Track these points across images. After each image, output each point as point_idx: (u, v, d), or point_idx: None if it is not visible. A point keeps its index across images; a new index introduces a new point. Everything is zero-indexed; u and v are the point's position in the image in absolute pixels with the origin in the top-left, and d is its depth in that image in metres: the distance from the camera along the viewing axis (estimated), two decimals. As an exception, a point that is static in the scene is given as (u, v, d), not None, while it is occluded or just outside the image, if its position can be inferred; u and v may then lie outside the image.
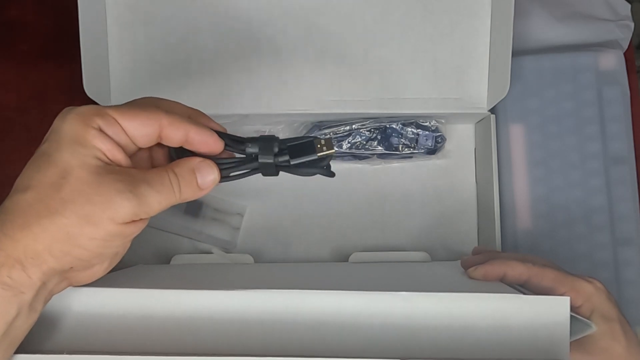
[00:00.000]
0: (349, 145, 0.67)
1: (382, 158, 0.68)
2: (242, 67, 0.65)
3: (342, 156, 0.68)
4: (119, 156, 0.38)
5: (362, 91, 0.65)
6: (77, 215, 0.36)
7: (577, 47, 0.71)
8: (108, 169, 0.37)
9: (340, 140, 0.67)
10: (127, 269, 0.59)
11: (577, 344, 0.44)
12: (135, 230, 0.38)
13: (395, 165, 0.70)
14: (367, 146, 0.67)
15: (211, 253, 0.67)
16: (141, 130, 0.38)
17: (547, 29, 0.72)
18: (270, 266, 0.64)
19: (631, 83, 0.70)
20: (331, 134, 0.67)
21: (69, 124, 0.37)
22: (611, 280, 0.65)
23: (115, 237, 0.37)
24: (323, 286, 0.41)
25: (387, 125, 0.67)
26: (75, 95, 0.68)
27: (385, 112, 0.66)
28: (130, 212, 0.36)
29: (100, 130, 0.37)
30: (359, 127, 0.67)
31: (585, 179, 0.67)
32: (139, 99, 0.42)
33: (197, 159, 0.41)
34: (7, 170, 0.70)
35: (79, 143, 0.37)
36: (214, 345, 0.40)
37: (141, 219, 0.38)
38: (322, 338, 0.40)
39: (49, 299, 0.39)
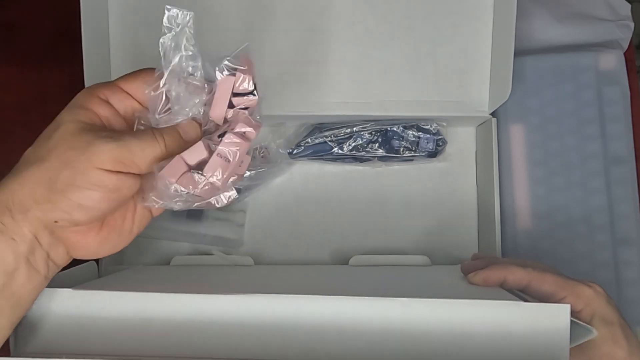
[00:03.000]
0: (350, 147, 0.67)
1: (383, 160, 0.68)
2: (243, 68, 0.65)
3: (343, 158, 0.68)
4: (115, 123, 0.41)
5: (364, 93, 0.65)
6: (58, 160, 0.38)
7: (577, 47, 0.71)
8: (97, 127, 0.40)
9: (341, 142, 0.67)
10: (127, 270, 0.59)
11: (578, 350, 0.44)
12: (120, 184, 0.39)
13: (396, 167, 0.70)
14: (368, 148, 0.67)
15: (211, 254, 0.67)
16: (142, 88, 0.42)
17: (547, 29, 0.72)
18: (270, 268, 0.64)
19: (631, 83, 0.70)
20: (332, 136, 0.67)
21: (79, 95, 0.41)
22: (611, 280, 0.65)
23: (95, 185, 0.38)
24: (323, 290, 0.41)
25: (388, 128, 0.67)
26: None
27: (386, 114, 0.66)
28: (110, 155, 0.38)
29: (105, 100, 0.41)
30: (360, 129, 0.67)
31: (585, 179, 0.67)
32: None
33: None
34: (8, 171, 0.70)
35: (80, 107, 0.40)
36: (214, 349, 0.40)
37: (127, 173, 0.39)
38: (321, 343, 0.40)
39: (53, 268, 0.40)
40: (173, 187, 0.41)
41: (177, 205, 0.42)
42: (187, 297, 0.41)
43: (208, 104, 0.43)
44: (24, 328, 0.41)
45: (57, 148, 0.38)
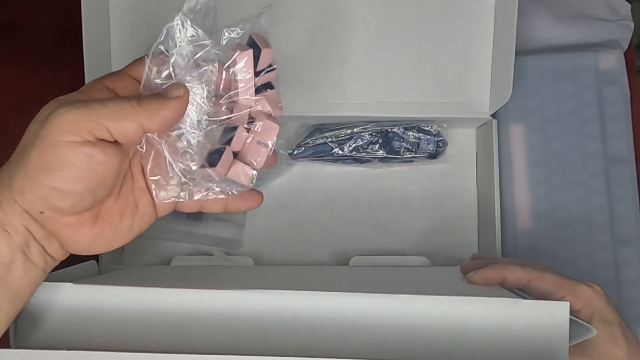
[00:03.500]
0: (351, 148, 0.67)
1: (384, 162, 0.68)
2: (243, 69, 0.65)
3: (343, 159, 0.68)
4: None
5: (364, 94, 0.65)
6: (28, 141, 0.36)
7: (577, 47, 0.71)
8: (75, 102, 0.36)
9: (341, 143, 0.67)
10: (126, 269, 0.60)
11: (577, 349, 0.44)
12: (86, 159, 0.36)
13: (397, 169, 0.70)
14: (368, 150, 0.67)
15: (211, 255, 0.67)
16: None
17: (547, 29, 0.72)
18: (270, 269, 0.64)
19: (631, 83, 0.70)
20: (333, 137, 0.67)
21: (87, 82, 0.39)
22: (611, 280, 0.65)
23: (61, 164, 0.35)
24: (323, 288, 0.41)
25: (389, 129, 0.67)
26: (75, 95, 0.68)
27: (387, 115, 0.66)
28: (66, 119, 0.35)
29: (109, 88, 0.39)
30: (361, 130, 0.67)
31: (585, 179, 0.67)
32: None
33: None
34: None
35: (79, 91, 0.38)
36: (214, 344, 0.40)
37: (95, 144, 0.36)
38: (321, 339, 0.40)
39: (50, 262, 0.39)
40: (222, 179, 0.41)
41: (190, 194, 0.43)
42: (188, 292, 0.41)
43: (225, 89, 0.42)
44: (24, 321, 0.41)
45: (29, 130, 0.37)
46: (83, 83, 0.61)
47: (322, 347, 0.40)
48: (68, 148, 0.35)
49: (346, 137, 0.67)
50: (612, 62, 0.69)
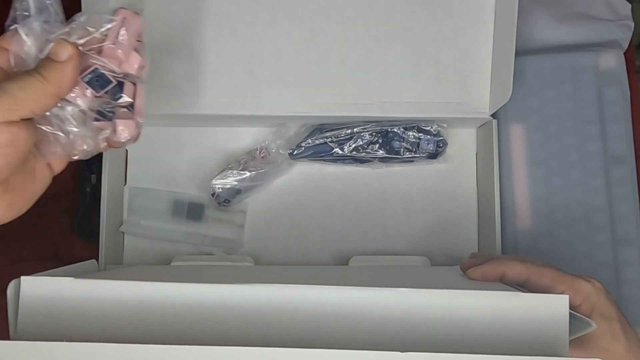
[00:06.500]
0: (351, 148, 0.67)
1: (384, 162, 0.68)
2: (244, 69, 0.65)
3: (343, 159, 0.68)
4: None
5: (364, 94, 0.65)
6: None
7: (577, 47, 0.71)
8: None
9: (342, 143, 0.67)
10: (127, 267, 0.60)
11: (577, 343, 0.44)
12: (13, 137, 0.38)
13: (397, 169, 0.70)
14: (368, 150, 0.67)
15: (212, 255, 0.67)
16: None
17: (547, 29, 0.72)
18: (270, 268, 0.64)
19: (631, 83, 0.70)
20: (333, 137, 0.67)
21: None
22: (611, 280, 0.65)
23: None
24: (323, 283, 0.41)
25: (389, 129, 0.67)
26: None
27: (387, 115, 0.66)
28: None
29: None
30: (361, 130, 0.67)
31: (585, 179, 0.67)
32: None
33: None
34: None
35: None
36: (213, 336, 0.40)
37: (19, 123, 0.39)
38: (322, 332, 0.40)
39: None
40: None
41: (81, 149, 0.45)
42: (187, 285, 0.41)
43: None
44: (25, 314, 0.41)
45: None
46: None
47: (323, 339, 0.40)
48: None
49: (346, 137, 0.67)
50: (612, 62, 0.69)
